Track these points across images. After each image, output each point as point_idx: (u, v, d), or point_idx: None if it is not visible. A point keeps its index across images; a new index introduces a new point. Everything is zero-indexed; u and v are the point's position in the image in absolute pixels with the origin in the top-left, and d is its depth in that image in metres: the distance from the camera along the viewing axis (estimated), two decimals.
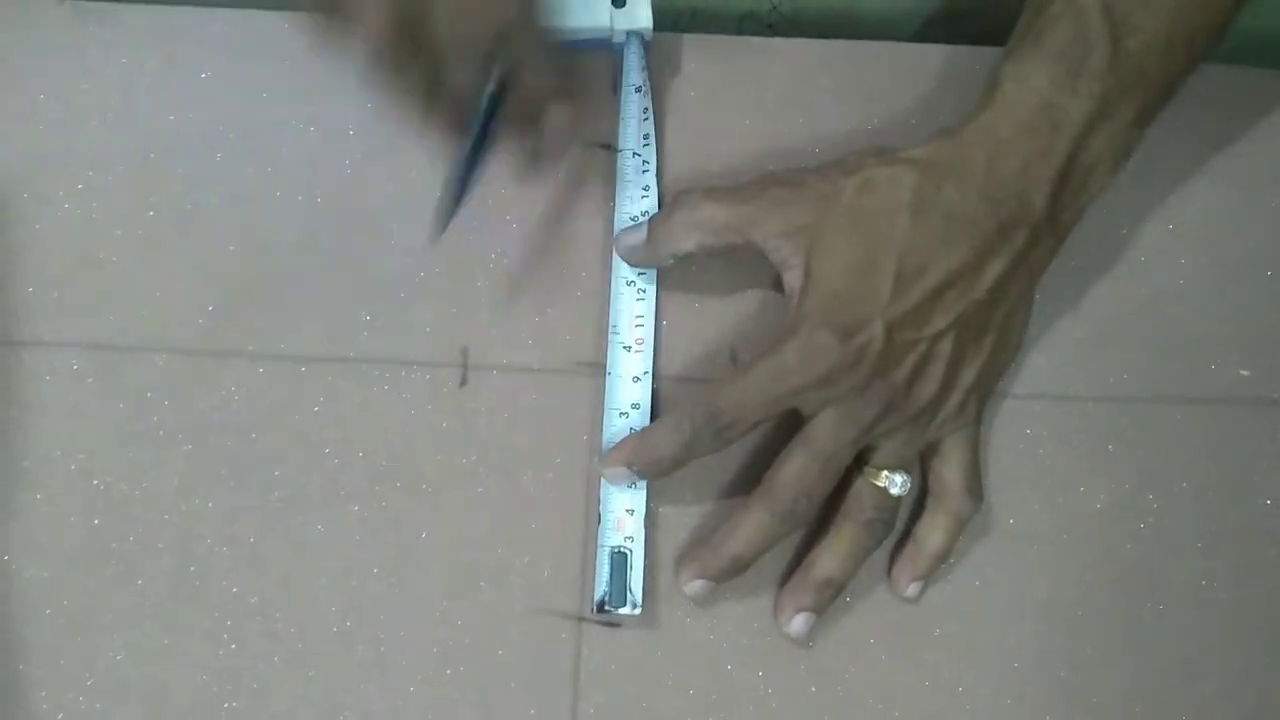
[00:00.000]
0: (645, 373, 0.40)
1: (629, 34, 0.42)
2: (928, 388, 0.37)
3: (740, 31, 0.46)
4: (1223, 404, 0.42)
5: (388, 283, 0.41)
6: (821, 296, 0.37)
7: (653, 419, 0.40)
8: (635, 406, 0.40)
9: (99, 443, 0.40)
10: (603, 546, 0.39)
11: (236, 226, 0.42)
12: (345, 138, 0.42)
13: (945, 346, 0.37)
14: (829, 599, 0.38)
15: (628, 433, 0.39)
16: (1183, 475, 0.41)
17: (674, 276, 0.41)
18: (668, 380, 0.41)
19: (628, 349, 0.40)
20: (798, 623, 0.38)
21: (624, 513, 0.39)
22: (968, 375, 0.38)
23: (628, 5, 0.42)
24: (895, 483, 0.38)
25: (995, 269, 0.37)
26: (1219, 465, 0.41)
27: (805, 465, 0.37)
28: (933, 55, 0.44)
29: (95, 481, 0.40)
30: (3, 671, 0.38)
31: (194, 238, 0.41)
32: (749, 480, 0.39)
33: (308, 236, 0.42)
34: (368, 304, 0.41)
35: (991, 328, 0.38)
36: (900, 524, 0.40)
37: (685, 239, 0.38)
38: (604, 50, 0.43)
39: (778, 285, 0.38)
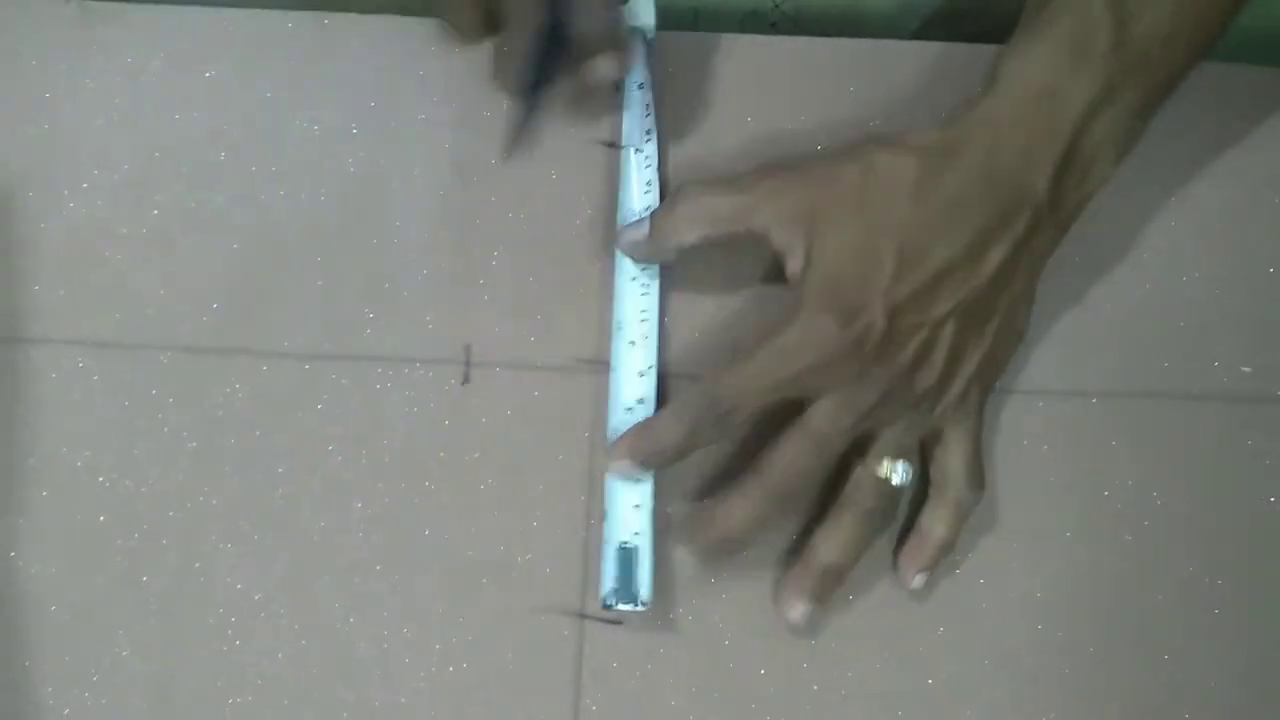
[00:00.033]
0: (650, 367, 0.40)
1: (632, 31, 0.42)
2: (929, 374, 0.37)
3: (743, 29, 0.46)
4: (1225, 400, 0.42)
5: (391, 281, 0.41)
6: (822, 281, 0.37)
7: None
8: (640, 402, 0.40)
9: (104, 440, 0.40)
10: (609, 543, 0.38)
11: (241, 225, 0.42)
12: (349, 136, 0.42)
13: (947, 332, 0.37)
14: (830, 587, 0.38)
15: None
16: (1185, 472, 0.41)
17: (677, 271, 0.41)
18: (672, 375, 0.41)
19: (632, 344, 0.40)
20: (797, 610, 0.38)
21: (631, 508, 0.39)
22: (970, 363, 0.38)
23: (631, 3, 0.42)
24: (897, 471, 0.38)
25: (997, 254, 0.37)
26: (1222, 462, 0.41)
27: (800, 448, 0.37)
28: (934, 53, 0.44)
29: (100, 478, 0.40)
30: (9, 667, 0.38)
31: (199, 236, 0.42)
32: None
33: (312, 235, 0.42)
34: (371, 302, 0.41)
35: (994, 315, 0.38)
36: (904, 517, 0.40)
37: (688, 231, 0.38)
38: None
39: (781, 278, 0.38)
